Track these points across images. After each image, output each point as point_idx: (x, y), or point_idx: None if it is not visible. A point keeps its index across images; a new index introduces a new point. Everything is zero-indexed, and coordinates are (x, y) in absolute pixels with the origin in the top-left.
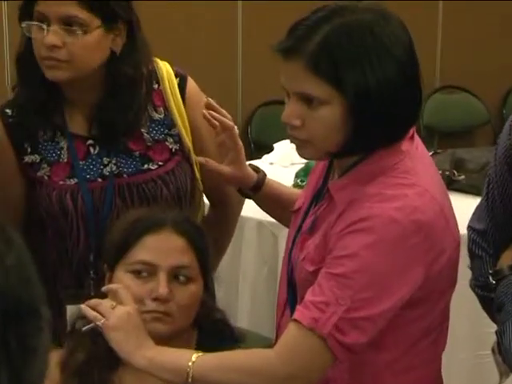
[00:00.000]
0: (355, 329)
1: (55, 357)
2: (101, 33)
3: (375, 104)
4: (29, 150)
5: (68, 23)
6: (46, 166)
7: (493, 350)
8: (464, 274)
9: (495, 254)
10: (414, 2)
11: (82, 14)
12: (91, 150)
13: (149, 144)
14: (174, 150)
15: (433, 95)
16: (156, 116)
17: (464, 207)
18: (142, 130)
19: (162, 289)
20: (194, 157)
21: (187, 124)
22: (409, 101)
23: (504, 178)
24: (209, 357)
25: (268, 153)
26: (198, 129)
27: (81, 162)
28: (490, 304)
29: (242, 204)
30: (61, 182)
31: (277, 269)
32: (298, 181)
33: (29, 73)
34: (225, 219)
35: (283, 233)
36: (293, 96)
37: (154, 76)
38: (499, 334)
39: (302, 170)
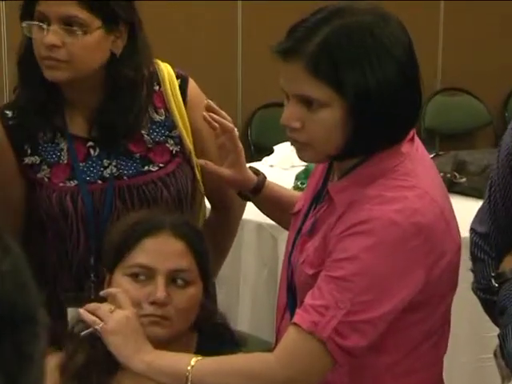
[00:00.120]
0: (355, 332)
1: (55, 360)
2: (101, 34)
3: (375, 105)
4: (29, 151)
5: (68, 23)
6: (45, 167)
7: (495, 354)
8: (465, 277)
9: (497, 256)
10: (415, 2)
11: (82, 14)
12: (91, 151)
13: (149, 146)
14: (174, 151)
15: (434, 97)
16: (157, 118)
17: (465, 210)
18: (143, 132)
19: (160, 293)
20: (194, 159)
21: (188, 125)
22: (409, 102)
23: (506, 181)
24: (208, 361)
25: (268, 155)
26: (199, 130)
27: (81, 164)
28: (493, 307)
29: (243, 207)
30: (61, 184)
31: (277, 271)
32: (299, 183)
33: (29, 73)
34: (226, 222)
35: (283, 235)
36: (292, 98)
37: (154, 78)
38: (501, 337)
39: (302, 172)
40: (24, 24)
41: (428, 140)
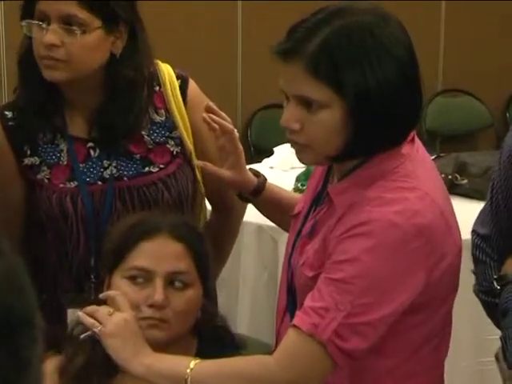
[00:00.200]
0: (355, 334)
1: (54, 362)
2: (101, 34)
3: (375, 105)
4: (28, 152)
5: (68, 22)
6: (45, 168)
7: (496, 357)
8: (465, 279)
9: (499, 258)
10: (416, 2)
11: (81, 13)
12: (91, 152)
13: (150, 147)
14: (175, 152)
15: (435, 98)
16: (157, 118)
17: (467, 212)
18: (143, 133)
19: (158, 295)
20: (195, 159)
21: (188, 126)
22: (409, 102)
23: (508, 183)
24: (207, 363)
25: (268, 156)
26: (200, 131)
27: (81, 165)
28: (494, 310)
29: (244, 208)
30: (61, 185)
31: (277, 274)
32: (299, 185)
33: (29, 73)
34: (227, 223)
35: (283, 237)
36: (292, 99)
37: (155, 78)
38: (503, 339)
39: (302, 173)
40: (24, 23)
41: (429, 141)
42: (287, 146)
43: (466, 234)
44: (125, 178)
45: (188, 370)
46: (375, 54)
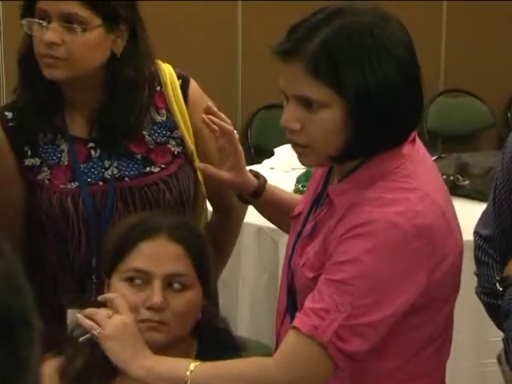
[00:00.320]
0: (356, 336)
1: (54, 364)
2: (101, 32)
3: (376, 105)
4: (29, 153)
5: (68, 21)
6: (46, 169)
7: (498, 359)
8: (467, 281)
9: (502, 260)
10: (418, 2)
11: (82, 11)
12: (92, 152)
13: (151, 146)
14: (176, 152)
15: (436, 99)
16: (158, 118)
17: (468, 213)
18: (144, 133)
19: (156, 297)
20: (197, 161)
21: (190, 126)
22: (410, 102)
23: (511, 184)
24: (207, 366)
25: (268, 157)
26: (201, 131)
27: (82, 165)
28: (497, 311)
29: (245, 209)
30: (61, 186)
31: (277, 275)
32: (299, 186)
33: (29, 72)
34: (228, 224)
35: (283, 239)
36: (292, 99)
37: (156, 78)
38: (506, 341)
39: (303, 174)
40: (24, 21)
41: (430, 142)
42: (287, 146)
43: (467, 235)
44: (126, 179)
45: (188, 373)
46: (375, 53)
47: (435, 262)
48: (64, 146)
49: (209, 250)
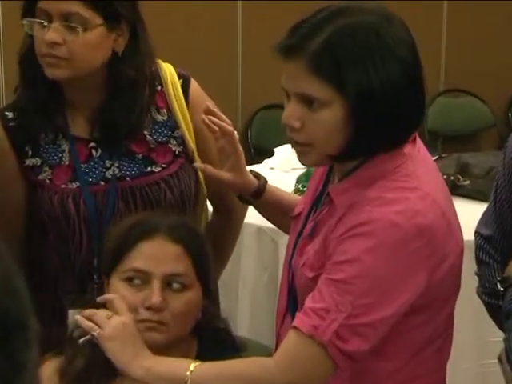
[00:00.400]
0: (356, 336)
1: (54, 364)
2: (102, 31)
3: (378, 105)
4: (30, 153)
5: (69, 20)
6: (47, 169)
7: (499, 359)
8: (468, 281)
9: (503, 260)
10: (418, 2)
11: (83, 11)
12: (93, 152)
13: (152, 146)
14: (177, 152)
15: (437, 98)
16: (159, 118)
17: (469, 213)
18: (145, 132)
19: (155, 298)
20: (197, 160)
21: (190, 126)
22: (412, 103)
23: None
24: (207, 366)
25: (268, 157)
26: (202, 130)
27: (83, 165)
28: (498, 311)
29: (245, 209)
30: (63, 186)
31: (277, 275)
32: (300, 186)
33: (30, 72)
34: (228, 225)
35: (283, 239)
36: (293, 97)
37: (156, 78)
38: (507, 341)
39: (303, 174)
40: (25, 21)
41: (431, 142)
42: (288, 146)
43: (468, 235)
44: (127, 178)
45: (188, 373)
46: (379, 53)
47: (435, 261)
48: (65, 146)
49: (209, 250)
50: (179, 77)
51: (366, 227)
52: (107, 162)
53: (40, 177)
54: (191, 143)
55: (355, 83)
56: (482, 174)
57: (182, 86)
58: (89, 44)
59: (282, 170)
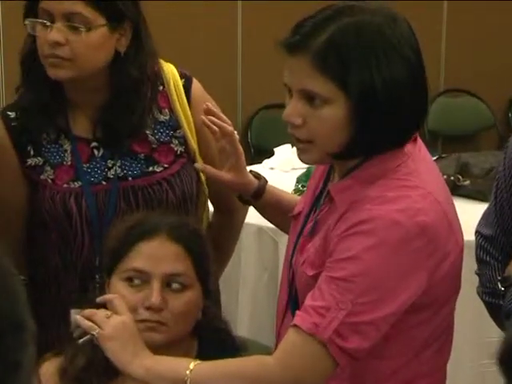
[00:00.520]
0: (356, 334)
1: (54, 364)
2: (105, 31)
3: (381, 104)
4: (32, 152)
5: (72, 20)
6: (49, 168)
7: None
8: (468, 281)
9: (504, 259)
10: (418, 2)
11: (86, 11)
12: (95, 152)
13: (154, 146)
14: (179, 151)
15: (437, 99)
16: (161, 118)
17: (469, 213)
18: (147, 132)
19: (155, 298)
20: (198, 159)
21: (192, 125)
22: (415, 103)
23: None
24: (207, 364)
25: (268, 157)
26: (203, 130)
27: (85, 165)
28: (498, 311)
29: (246, 209)
30: (64, 185)
31: (277, 275)
32: (299, 186)
33: (32, 73)
34: (229, 225)
35: (284, 239)
36: (295, 94)
37: (158, 78)
38: None
39: (303, 174)
40: (27, 21)
41: (431, 142)
42: (288, 146)
43: (468, 234)
44: (129, 178)
45: (188, 372)
46: (383, 53)
47: (437, 260)
48: (67, 146)
49: (209, 250)
50: (181, 77)
51: (367, 225)
52: (109, 161)
53: (42, 177)
54: (193, 143)
55: (359, 82)
56: (481, 174)
57: (184, 86)
58: (92, 44)
59: (282, 169)
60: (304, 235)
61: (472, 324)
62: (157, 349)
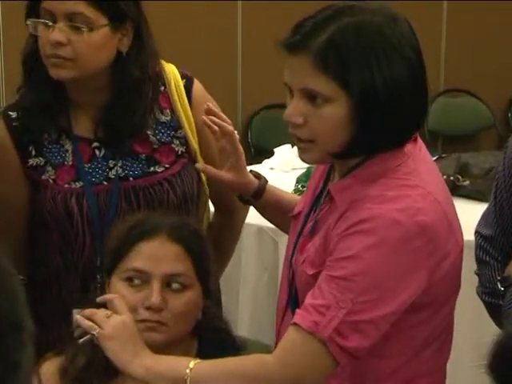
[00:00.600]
0: (356, 332)
1: (55, 363)
2: (107, 31)
3: (381, 104)
4: (33, 152)
5: (74, 20)
6: (50, 168)
7: None
8: (468, 281)
9: (503, 260)
10: (418, 2)
11: (88, 11)
12: (97, 152)
13: (155, 146)
14: (180, 152)
15: (437, 99)
16: (162, 118)
17: (469, 213)
18: (148, 133)
19: (155, 298)
20: (199, 160)
21: (193, 126)
22: (415, 102)
23: None
24: (207, 363)
25: (268, 157)
26: (204, 130)
27: (86, 165)
28: (498, 311)
29: (247, 209)
30: (66, 186)
31: (277, 275)
32: (300, 186)
33: (34, 73)
34: (230, 225)
35: (284, 239)
36: (296, 93)
37: (160, 78)
38: None
39: (303, 174)
40: (29, 21)
41: (431, 142)
42: (288, 146)
43: (467, 234)
44: (130, 178)
45: (187, 370)
46: (383, 52)
47: (436, 259)
48: (68, 146)
49: (209, 251)
50: (182, 77)
51: (367, 224)
52: (110, 161)
53: (43, 177)
54: (194, 143)
55: (359, 81)
56: (481, 174)
57: (185, 87)
58: (94, 44)
59: (282, 169)
60: (304, 235)
61: (472, 324)
62: (157, 349)
